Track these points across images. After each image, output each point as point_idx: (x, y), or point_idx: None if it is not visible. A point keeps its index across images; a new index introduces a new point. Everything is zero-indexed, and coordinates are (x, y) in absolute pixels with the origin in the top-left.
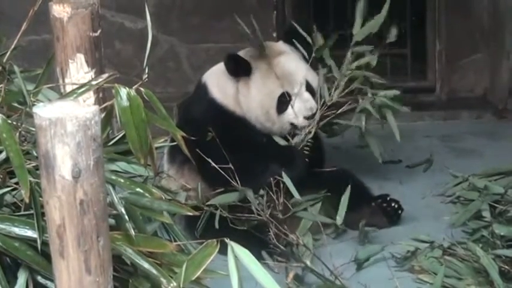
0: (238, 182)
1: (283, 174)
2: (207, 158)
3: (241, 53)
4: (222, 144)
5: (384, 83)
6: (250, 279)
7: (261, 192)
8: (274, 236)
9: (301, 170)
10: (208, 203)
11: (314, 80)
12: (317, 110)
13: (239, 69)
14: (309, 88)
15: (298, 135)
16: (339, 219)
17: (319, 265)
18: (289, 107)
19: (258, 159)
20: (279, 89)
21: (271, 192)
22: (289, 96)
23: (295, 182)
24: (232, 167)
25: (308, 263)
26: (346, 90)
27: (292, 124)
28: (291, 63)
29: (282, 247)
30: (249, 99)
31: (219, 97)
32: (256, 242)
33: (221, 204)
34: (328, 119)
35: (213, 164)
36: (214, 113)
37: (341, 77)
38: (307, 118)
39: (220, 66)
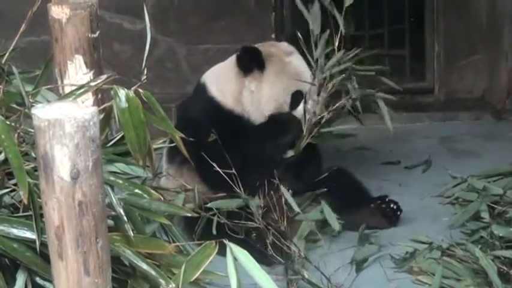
0: (240, 180)
1: (282, 189)
2: (207, 158)
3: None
4: (221, 143)
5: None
6: (249, 280)
7: (260, 201)
8: (272, 245)
9: (297, 133)
10: (208, 205)
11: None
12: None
13: (253, 63)
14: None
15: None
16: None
17: (317, 272)
18: (301, 104)
19: (256, 152)
20: (293, 86)
21: (268, 193)
22: (302, 94)
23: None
24: (233, 166)
25: (306, 275)
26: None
27: None
28: (302, 64)
29: (280, 259)
30: (260, 94)
31: (217, 96)
32: (254, 253)
33: (219, 210)
34: (319, 126)
35: (213, 164)
36: (213, 112)
37: (319, 75)
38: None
39: (220, 65)
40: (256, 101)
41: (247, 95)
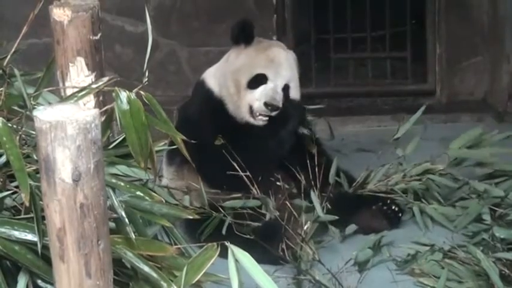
0: (243, 176)
1: (312, 193)
2: (207, 158)
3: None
4: (222, 135)
5: None
6: (251, 283)
7: (272, 204)
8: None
9: (299, 118)
10: (223, 204)
11: (294, 93)
12: (279, 107)
13: (243, 36)
14: (285, 92)
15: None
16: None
17: (322, 270)
18: (260, 87)
19: (259, 148)
20: (261, 68)
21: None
22: (266, 80)
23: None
24: (235, 164)
25: (317, 277)
26: None
27: (251, 107)
28: (286, 60)
29: (289, 259)
30: (232, 64)
31: (215, 88)
32: (263, 254)
33: (226, 210)
34: None
35: (214, 164)
36: (211, 105)
37: None
38: (267, 106)
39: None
40: (225, 72)
41: (224, 67)
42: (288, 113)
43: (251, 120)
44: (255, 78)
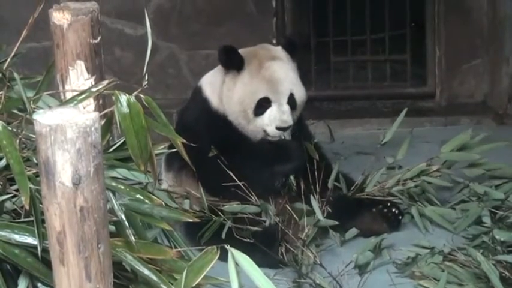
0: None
1: (312, 198)
2: (206, 164)
3: (240, 50)
4: (217, 147)
5: None
6: (251, 286)
7: (272, 210)
8: (283, 251)
9: (301, 161)
10: (224, 208)
11: (299, 94)
12: (291, 125)
13: (231, 62)
14: (291, 101)
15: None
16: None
17: (323, 273)
18: (266, 112)
19: (256, 160)
20: (261, 92)
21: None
22: (270, 102)
23: (295, 173)
24: (231, 173)
25: (317, 280)
26: None
27: (264, 131)
28: (281, 71)
29: (289, 262)
30: (232, 93)
31: (211, 97)
32: (263, 257)
33: (226, 214)
34: None
35: (212, 170)
36: (208, 114)
37: None
38: (279, 129)
39: (216, 68)
40: (228, 101)
41: (225, 93)
42: (291, 154)
43: (268, 138)
44: (259, 105)
